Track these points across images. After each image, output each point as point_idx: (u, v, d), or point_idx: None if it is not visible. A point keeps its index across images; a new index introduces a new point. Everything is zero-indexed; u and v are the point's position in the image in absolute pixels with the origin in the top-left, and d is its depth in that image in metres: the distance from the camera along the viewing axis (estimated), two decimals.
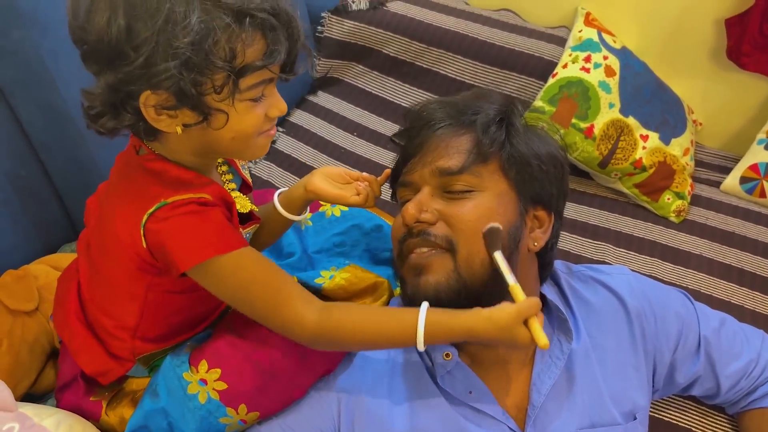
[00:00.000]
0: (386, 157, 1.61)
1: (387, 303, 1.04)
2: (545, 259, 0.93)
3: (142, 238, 0.76)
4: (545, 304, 0.94)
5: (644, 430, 0.92)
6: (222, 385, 0.85)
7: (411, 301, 0.88)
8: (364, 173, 0.97)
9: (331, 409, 0.88)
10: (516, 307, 0.75)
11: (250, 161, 1.52)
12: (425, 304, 0.78)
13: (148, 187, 0.76)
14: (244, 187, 0.94)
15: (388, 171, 0.97)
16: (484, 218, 0.84)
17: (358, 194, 0.94)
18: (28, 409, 0.85)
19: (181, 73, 0.65)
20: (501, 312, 0.75)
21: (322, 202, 1.25)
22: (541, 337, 0.74)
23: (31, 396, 1.02)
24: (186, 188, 0.76)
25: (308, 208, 1.05)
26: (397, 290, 1.13)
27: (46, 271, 1.06)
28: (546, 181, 0.89)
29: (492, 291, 0.84)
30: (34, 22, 1.02)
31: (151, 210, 0.74)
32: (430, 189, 0.88)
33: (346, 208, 1.23)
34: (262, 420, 0.89)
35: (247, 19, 0.66)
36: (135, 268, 0.79)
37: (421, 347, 0.77)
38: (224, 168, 0.91)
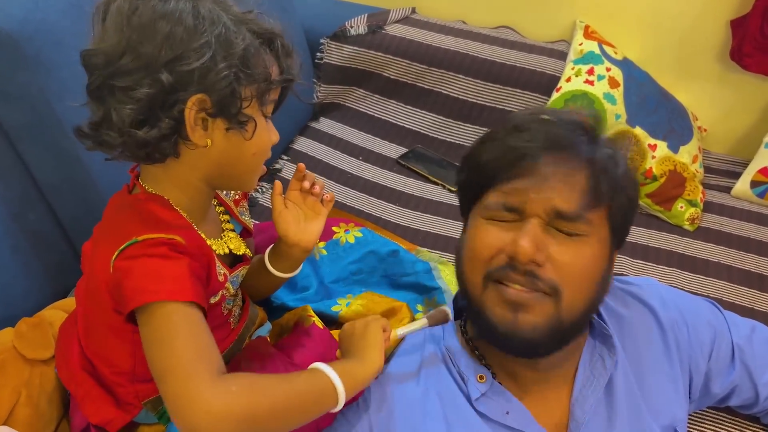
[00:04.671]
0: (393, 180, 1.60)
1: None
2: None
3: (110, 276, 0.74)
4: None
5: None
6: None
7: (490, 332, 0.83)
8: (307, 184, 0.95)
9: None
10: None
11: (257, 192, 1.51)
12: (325, 366, 0.76)
13: (126, 225, 0.74)
14: (245, 233, 0.93)
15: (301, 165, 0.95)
16: (591, 266, 0.82)
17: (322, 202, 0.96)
18: None
19: (237, 75, 0.72)
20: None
21: (335, 229, 1.24)
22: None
23: None
24: (160, 227, 0.74)
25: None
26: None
27: (61, 317, 1.03)
28: (630, 226, 0.88)
29: (581, 328, 0.86)
30: (38, 65, 1.00)
31: (122, 247, 0.72)
32: (541, 222, 0.81)
33: (360, 235, 1.22)
34: None
35: (276, 42, 0.77)
36: (112, 309, 0.77)
37: (341, 404, 0.76)
38: (221, 209, 0.91)
